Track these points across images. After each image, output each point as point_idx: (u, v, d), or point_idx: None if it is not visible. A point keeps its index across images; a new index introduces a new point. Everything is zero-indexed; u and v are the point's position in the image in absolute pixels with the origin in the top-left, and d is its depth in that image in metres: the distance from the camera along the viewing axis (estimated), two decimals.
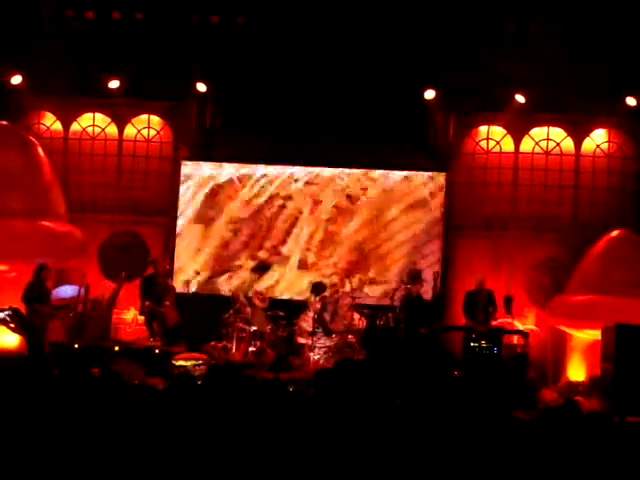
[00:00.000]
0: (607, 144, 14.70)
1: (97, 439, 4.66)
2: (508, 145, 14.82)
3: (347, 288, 13.81)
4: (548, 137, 14.79)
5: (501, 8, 13.99)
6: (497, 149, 14.86)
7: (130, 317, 14.23)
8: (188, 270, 14.70)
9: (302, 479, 4.49)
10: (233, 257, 14.81)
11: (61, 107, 14.97)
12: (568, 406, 5.05)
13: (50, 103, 14.84)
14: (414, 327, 12.72)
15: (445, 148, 14.78)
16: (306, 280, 14.47)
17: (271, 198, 14.80)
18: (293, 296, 14.56)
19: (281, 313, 13.54)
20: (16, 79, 14.08)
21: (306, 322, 13.30)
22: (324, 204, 14.77)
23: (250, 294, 13.90)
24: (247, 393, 5.07)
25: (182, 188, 14.84)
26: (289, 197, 14.80)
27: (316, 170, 14.81)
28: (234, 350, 12.98)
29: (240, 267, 14.77)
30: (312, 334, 13.00)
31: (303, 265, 14.74)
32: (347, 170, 14.78)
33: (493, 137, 14.87)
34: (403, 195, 14.69)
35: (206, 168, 14.89)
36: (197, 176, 14.87)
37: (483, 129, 14.92)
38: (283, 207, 14.81)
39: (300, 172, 14.82)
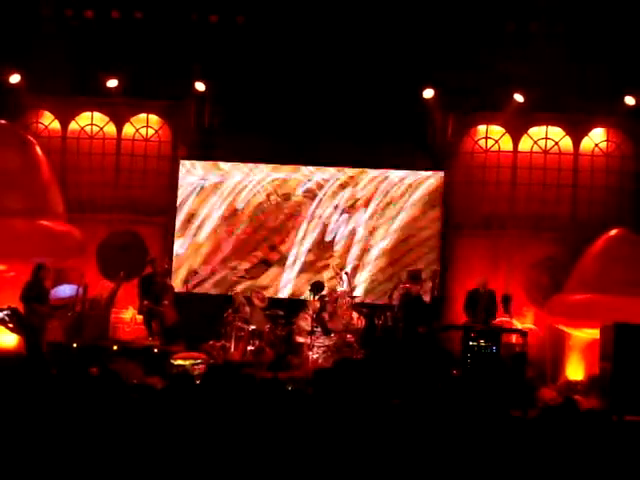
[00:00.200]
0: (606, 143, 14.70)
1: (96, 438, 4.66)
2: (507, 144, 14.82)
3: (346, 287, 13.79)
4: (547, 136, 14.79)
5: (501, 8, 13.98)
6: (496, 148, 14.86)
7: (129, 316, 14.23)
8: (186, 269, 14.70)
9: (301, 478, 4.49)
10: (232, 257, 14.80)
11: (59, 106, 14.96)
12: (567, 405, 5.05)
13: (48, 102, 14.83)
14: (412, 326, 12.72)
15: (444, 147, 14.78)
16: (305, 279, 14.48)
17: (269, 197, 14.80)
18: (292, 295, 14.57)
19: (280, 312, 13.54)
20: (14, 78, 14.07)
21: (305, 321, 13.29)
22: (323, 203, 14.77)
23: (249, 293, 13.89)
24: (246, 392, 5.07)
25: (180, 187, 14.84)
26: (287, 197, 14.80)
27: (315, 169, 14.81)
28: (233, 349, 12.98)
29: (240, 267, 14.78)
30: (311, 333, 13.00)
31: (302, 265, 14.74)
32: (346, 169, 14.78)
33: (492, 136, 14.87)
34: (402, 194, 14.69)
35: (205, 168, 14.90)
36: (196, 175, 14.87)
37: (482, 128, 14.91)
38: (283, 207, 14.81)
39: (299, 171, 14.82)
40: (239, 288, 14.32)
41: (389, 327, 13.08)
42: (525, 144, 14.79)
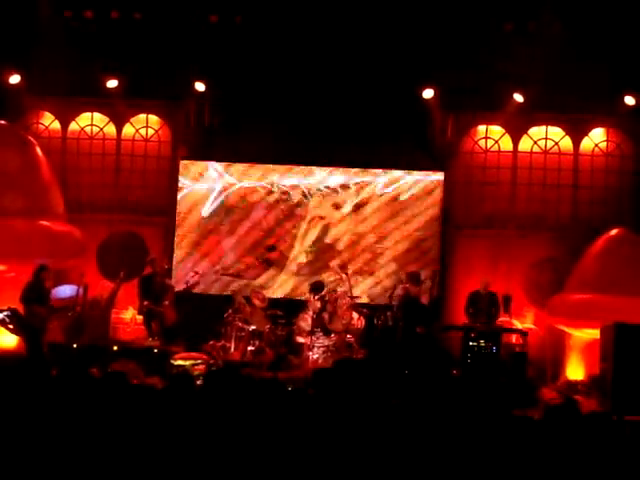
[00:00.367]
0: (606, 143, 14.71)
1: (96, 439, 4.66)
2: (507, 144, 14.83)
3: (346, 287, 13.78)
4: (547, 136, 14.80)
5: (500, 8, 13.98)
6: (496, 148, 14.86)
7: (129, 317, 14.23)
8: (187, 269, 14.70)
9: (301, 478, 4.48)
10: (233, 257, 14.80)
11: (59, 107, 14.97)
12: (567, 405, 5.05)
13: (48, 103, 14.84)
14: (412, 327, 12.72)
15: (444, 147, 14.78)
16: (305, 280, 14.47)
17: (269, 197, 14.80)
18: (291, 296, 14.57)
19: (280, 312, 13.53)
20: (14, 79, 14.07)
21: (305, 321, 13.29)
22: (323, 203, 14.77)
23: (249, 293, 13.89)
24: (246, 392, 5.06)
25: (180, 187, 14.85)
26: (287, 197, 14.80)
27: (314, 169, 14.81)
28: (233, 349, 12.97)
29: (239, 267, 14.77)
30: (311, 333, 13.00)
31: (302, 265, 14.74)
32: (346, 169, 14.78)
33: (492, 136, 14.88)
34: (402, 194, 14.68)
35: (205, 167, 14.91)
36: (196, 175, 14.88)
37: (482, 128, 14.92)
38: (282, 207, 14.81)
39: (298, 171, 14.82)
40: (239, 288, 14.31)
41: (389, 327, 13.08)
42: (525, 144, 14.80)
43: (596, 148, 14.71)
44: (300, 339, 13.18)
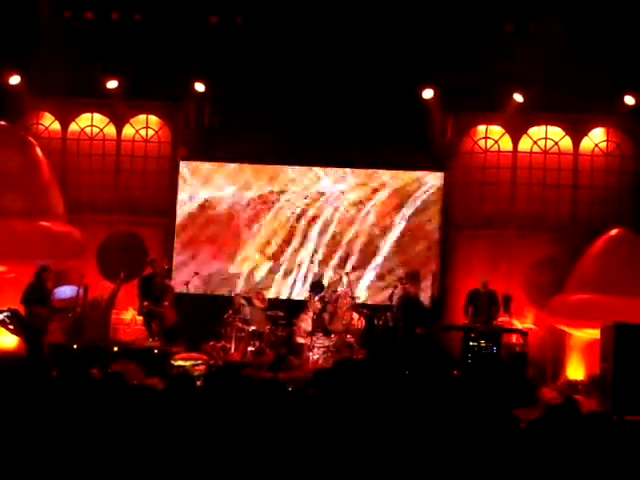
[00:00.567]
0: (605, 143, 14.71)
1: (97, 440, 4.66)
2: (506, 144, 14.83)
3: (346, 288, 13.79)
4: (546, 136, 14.79)
5: (500, 8, 13.98)
6: (495, 148, 14.86)
7: (129, 317, 14.24)
8: (187, 270, 14.69)
9: (301, 479, 4.49)
10: (233, 257, 14.80)
11: (59, 107, 14.98)
12: (568, 405, 5.05)
13: (48, 103, 14.85)
14: (412, 327, 12.72)
15: (443, 147, 14.78)
16: (305, 280, 14.48)
17: (269, 198, 14.81)
18: (292, 296, 14.58)
19: (280, 313, 13.54)
20: (14, 79, 14.07)
21: (305, 322, 13.30)
22: (323, 204, 14.77)
23: (249, 294, 13.89)
24: (246, 393, 5.06)
25: (180, 188, 14.85)
26: (287, 198, 14.80)
27: (315, 169, 14.81)
28: (233, 350, 12.97)
29: (240, 267, 14.78)
30: (311, 334, 13.01)
31: (302, 266, 14.74)
32: (346, 169, 14.78)
33: (491, 136, 14.88)
34: (401, 194, 14.68)
35: (205, 168, 14.91)
36: (196, 176, 14.88)
37: (481, 128, 14.92)
38: (282, 207, 14.81)
39: (298, 171, 14.82)
40: (239, 289, 14.31)
41: (389, 328, 13.09)
42: (525, 144, 14.80)
43: (596, 148, 14.71)
44: (300, 339, 13.19)
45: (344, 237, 14.74)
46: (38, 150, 13.86)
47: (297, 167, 14.81)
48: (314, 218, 14.78)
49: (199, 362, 12.16)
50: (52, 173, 13.95)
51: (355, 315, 13.45)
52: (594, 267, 13.20)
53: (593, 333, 12.49)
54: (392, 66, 13.92)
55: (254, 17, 14.41)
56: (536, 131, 14.81)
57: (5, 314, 11.85)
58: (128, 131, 15.10)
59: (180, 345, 12.98)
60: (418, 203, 14.64)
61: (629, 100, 13.94)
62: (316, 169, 14.81)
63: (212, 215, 14.82)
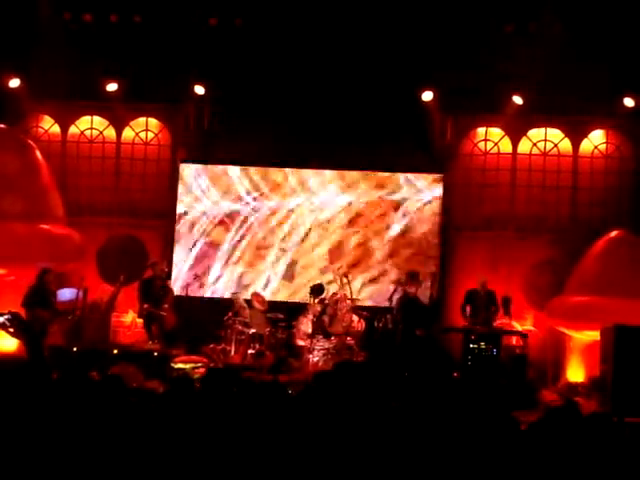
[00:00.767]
0: (605, 145, 14.70)
1: (96, 443, 4.66)
2: (506, 146, 14.83)
3: (345, 290, 13.78)
4: (546, 138, 14.79)
5: (500, 8, 13.98)
6: (495, 150, 14.87)
7: (129, 320, 14.24)
8: (186, 273, 14.70)
9: None
10: (232, 260, 14.80)
11: (59, 110, 14.98)
12: (568, 407, 5.05)
13: (48, 106, 14.85)
14: (412, 329, 12.72)
15: (443, 149, 14.78)
16: (305, 282, 14.47)
17: (269, 199, 14.81)
18: (292, 299, 14.57)
19: (280, 315, 13.53)
20: (14, 82, 14.09)
21: (305, 324, 13.29)
22: (323, 205, 14.77)
23: (249, 296, 13.89)
24: (246, 395, 5.06)
25: (180, 190, 14.85)
26: (287, 199, 14.81)
27: (314, 171, 14.81)
28: (233, 352, 12.97)
29: (240, 269, 14.78)
30: (311, 336, 13.00)
31: (302, 267, 14.74)
32: (345, 171, 14.78)
33: (491, 138, 14.88)
34: (401, 196, 14.68)
35: (204, 169, 14.92)
36: (196, 178, 14.89)
37: (481, 130, 14.93)
38: (283, 209, 14.81)
39: (298, 173, 14.83)
40: (239, 291, 14.31)
41: (389, 330, 13.08)
42: (524, 146, 14.80)
43: (595, 150, 14.71)
44: (300, 342, 13.18)
45: (343, 239, 14.72)
46: (38, 153, 13.87)
47: (297, 169, 14.80)
48: (313, 220, 14.76)
49: (199, 365, 12.16)
50: (52, 176, 13.96)
51: (355, 317, 13.45)
52: (594, 269, 13.20)
53: (593, 335, 12.49)
54: (392, 67, 13.92)
55: (253, 19, 14.41)
56: (535, 133, 14.81)
57: (5, 317, 11.82)
58: (128, 134, 15.10)
59: (180, 348, 12.98)
60: (418, 205, 14.64)
61: (629, 102, 13.93)
62: (315, 171, 14.80)
63: (210, 220, 14.84)
